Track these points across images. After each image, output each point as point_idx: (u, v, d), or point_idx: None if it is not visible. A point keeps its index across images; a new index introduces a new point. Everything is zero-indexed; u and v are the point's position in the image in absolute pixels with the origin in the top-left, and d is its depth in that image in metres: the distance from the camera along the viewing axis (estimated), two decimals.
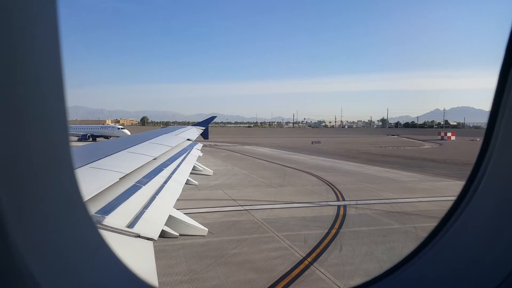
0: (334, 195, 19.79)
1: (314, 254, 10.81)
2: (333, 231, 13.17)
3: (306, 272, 9.55)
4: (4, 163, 0.75)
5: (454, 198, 1.42)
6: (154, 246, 2.69)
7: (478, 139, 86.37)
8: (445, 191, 20.93)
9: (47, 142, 0.92)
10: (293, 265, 9.98)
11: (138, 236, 2.69)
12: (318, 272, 9.52)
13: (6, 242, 0.74)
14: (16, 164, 0.80)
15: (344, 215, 15.51)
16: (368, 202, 17.97)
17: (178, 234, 3.55)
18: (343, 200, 18.48)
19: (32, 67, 0.84)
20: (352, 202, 17.82)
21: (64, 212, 1.03)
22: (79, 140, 61.08)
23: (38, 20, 0.85)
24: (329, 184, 23.04)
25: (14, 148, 0.78)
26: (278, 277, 9.21)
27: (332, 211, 16.08)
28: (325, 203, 17.81)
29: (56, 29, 0.91)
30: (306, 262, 10.22)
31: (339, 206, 17.00)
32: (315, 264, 10.07)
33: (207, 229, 4.15)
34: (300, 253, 10.88)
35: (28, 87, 0.83)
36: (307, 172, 28.65)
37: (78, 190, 1.10)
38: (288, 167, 32.33)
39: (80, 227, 1.14)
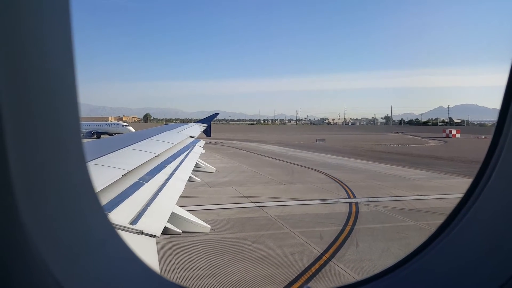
0: (345, 192, 19.88)
1: (331, 250, 10.93)
2: (348, 227, 13.28)
3: (325, 268, 9.67)
4: (20, 158, 0.78)
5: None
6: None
7: (483, 137, 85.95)
8: (454, 188, 20.98)
9: (60, 136, 0.96)
10: (311, 261, 10.10)
11: (141, 233, 2.71)
12: (337, 268, 9.64)
13: (21, 232, 0.77)
14: (31, 158, 0.83)
15: (357, 212, 15.61)
16: (379, 199, 18.05)
17: (181, 231, 3.54)
18: (354, 197, 18.57)
19: (45, 64, 0.87)
20: (363, 200, 17.91)
21: (77, 203, 1.07)
22: (84, 137, 61.32)
23: (50, 14, 0.88)
24: (339, 182, 23.12)
25: (28, 143, 0.81)
26: (298, 272, 9.34)
27: (344, 208, 16.18)
28: (336, 200, 17.91)
29: (69, 23, 0.93)
30: (324, 258, 10.34)
31: (351, 203, 17.10)
32: (333, 260, 10.19)
33: (209, 226, 4.15)
34: (317, 249, 11.00)
35: (41, 83, 0.85)
36: (315, 170, 28.72)
37: (91, 182, 1.14)
38: (296, 164, 32.41)
39: (92, 218, 1.19)
